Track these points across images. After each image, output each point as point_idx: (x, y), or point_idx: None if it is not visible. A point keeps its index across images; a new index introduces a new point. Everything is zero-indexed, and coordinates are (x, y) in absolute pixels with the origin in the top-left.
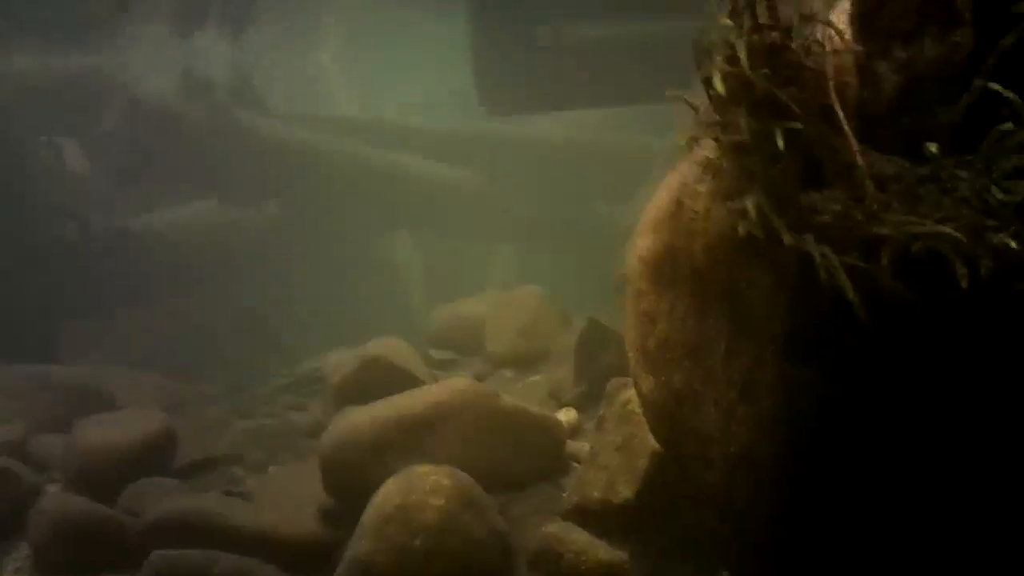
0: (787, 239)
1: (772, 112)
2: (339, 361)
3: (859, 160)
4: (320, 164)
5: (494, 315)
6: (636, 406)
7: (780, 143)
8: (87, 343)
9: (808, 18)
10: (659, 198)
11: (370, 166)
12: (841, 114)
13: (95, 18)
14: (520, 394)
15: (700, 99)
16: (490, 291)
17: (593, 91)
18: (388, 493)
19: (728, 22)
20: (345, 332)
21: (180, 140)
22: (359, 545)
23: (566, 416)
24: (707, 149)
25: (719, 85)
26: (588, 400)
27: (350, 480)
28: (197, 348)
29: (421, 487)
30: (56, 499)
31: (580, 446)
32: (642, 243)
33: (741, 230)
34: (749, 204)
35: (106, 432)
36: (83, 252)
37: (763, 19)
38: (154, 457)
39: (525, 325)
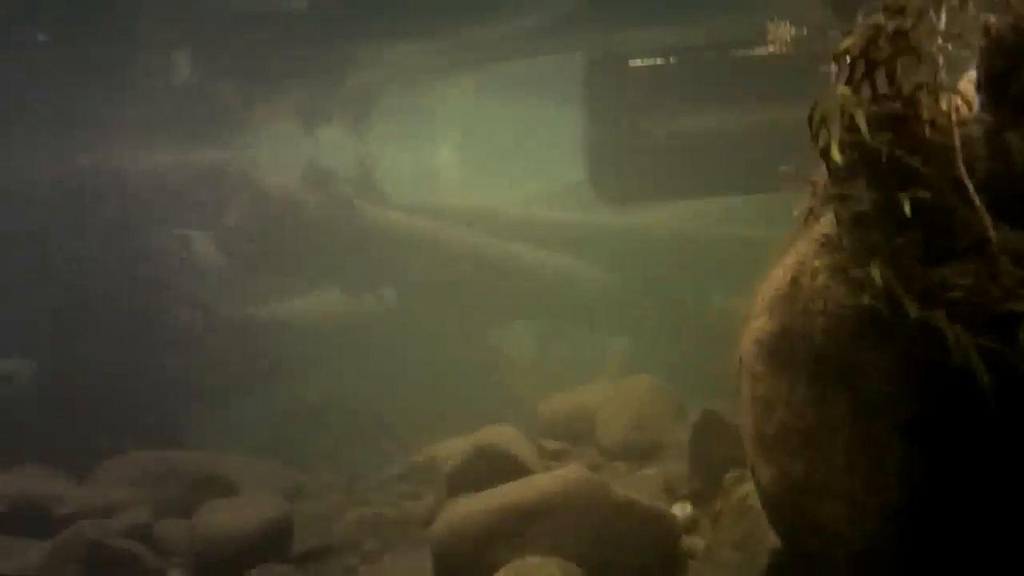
0: (913, 312)
1: (896, 182)
2: (453, 449)
3: (991, 234)
4: (437, 253)
5: (607, 405)
6: (754, 501)
7: (907, 211)
8: (212, 429)
9: (933, 87)
10: (775, 278)
11: (486, 255)
12: (970, 186)
13: (226, 115)
14: (633, 487)
15: (817, 176)
16: (603, 381)
17: (706, 181)
18: None
19: (846, 91)
20: (460, 420)
21: (303, 231)
22: None
23: (681, 510)
24: (825, 225)
25: (836, 155)
26: (704, 494)
27: (461, 570)
28: (315, 436)
29: None
30: None
31: (696, 542)
32: (757, 325)
33: (865, 300)
34: (874, 273)
35: (227, 518)
36: (209, 341)
37: (883, 89)
38: (272, 543)
39: (638, 416)
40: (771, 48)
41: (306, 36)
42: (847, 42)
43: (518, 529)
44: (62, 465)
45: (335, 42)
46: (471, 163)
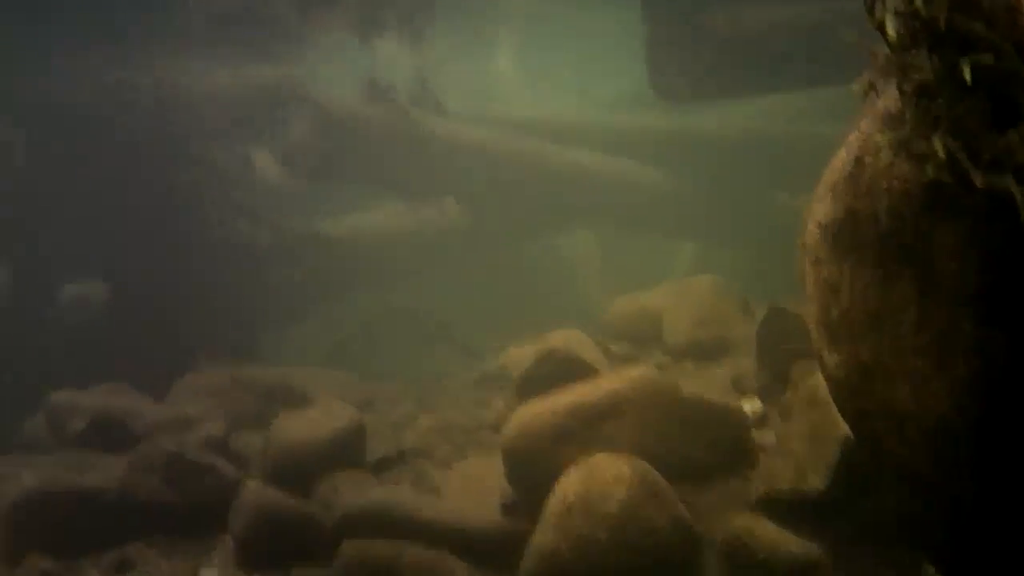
0: (979, 181)
1: (958, 48)
2: (521, 356)
3: None
4: (499, 163)
5: (672, 306)
6: (823, 392)
7: (968, 77)
8: (283, 343)
9: None
10: (838, 159)
11: (548, 163)
12: None
13: (283, 29)
14: (701, 384)
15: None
16: (669, 283)
17: (766, 77)
18: (569, 483)
19: None
20: (527, 326)
21: (363, 144)
22: (543, 536)
23: (750, 405)
24: (887, 100)
25: (891, 29)
26: (772, 389)
27: (532, 470)
28: (384, 347)
29: (602, 477)
30: (255, 493)
31: (766, 436)
32: (820, 208)
33: (929, 173)
34: (936, 144)
35: (301, 428)
36: (276, 256)
37: None
38: (346, 452)
39: (704, 315)
40: None
41: None
42: None
43: (587, 429)
44: (138, 383)
45: None
46: (531, 70)
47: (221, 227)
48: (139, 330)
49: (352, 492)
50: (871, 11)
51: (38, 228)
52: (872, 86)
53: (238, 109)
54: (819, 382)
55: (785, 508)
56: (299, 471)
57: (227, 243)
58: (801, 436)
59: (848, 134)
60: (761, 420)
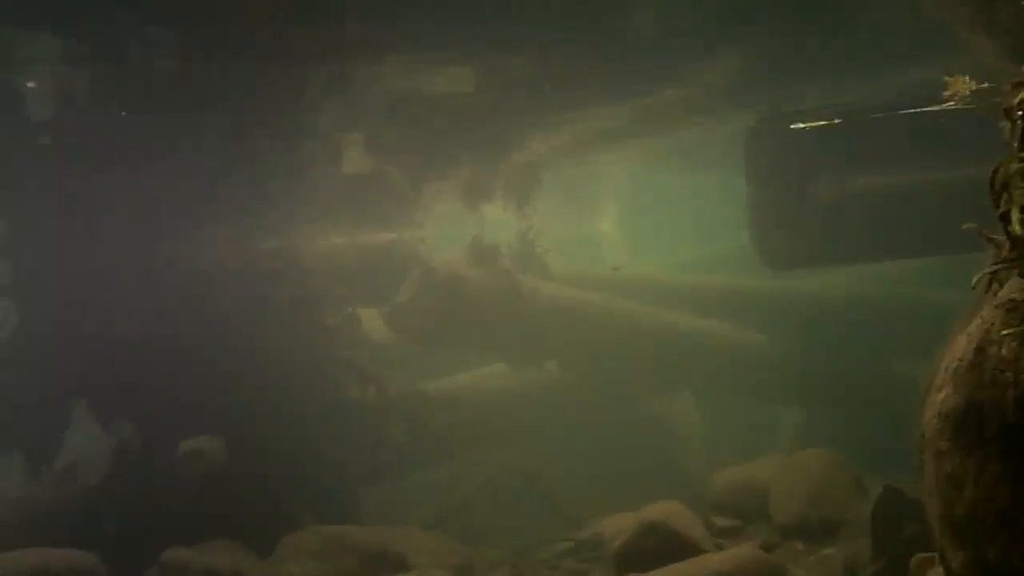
0: None
1: None
2: (619, 526)
3: None
4: (599, 324)
5: (780, 479)
6: None
7: None
8: (385, 503)
9: None
10: (958, 347)
11: (649, 325)
12: None
13: (394, 196)
14: (811, 568)
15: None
16: (775, 455)
17: (878, 244)
18: None
19: None
20: (627, 494)
21: (468, 306)
22: None
23: None
24: (1011, 290)
25: (1016, 224)
26: None
27: None
28: (484, 511)
29: None
30: None
31: None
32: (940, 398)
33: None
34: None
35: None
36: (381, 415)
37: None
38: None
39: (815, 491)
40: (949, 102)
41: (472, 117)
42: (1020, 95)
43: None
44: (246, 538)
45: (500, 122)
46: (634, 233)
47: (334, 387)
48: (252, 486)
49: None
50: (996, 202)
51: (165, 386)
52: (994, 277)
53: (351, 272)
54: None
55: None
56: None
57: (338, 402)
58: None
59: (966, 317)
60: None
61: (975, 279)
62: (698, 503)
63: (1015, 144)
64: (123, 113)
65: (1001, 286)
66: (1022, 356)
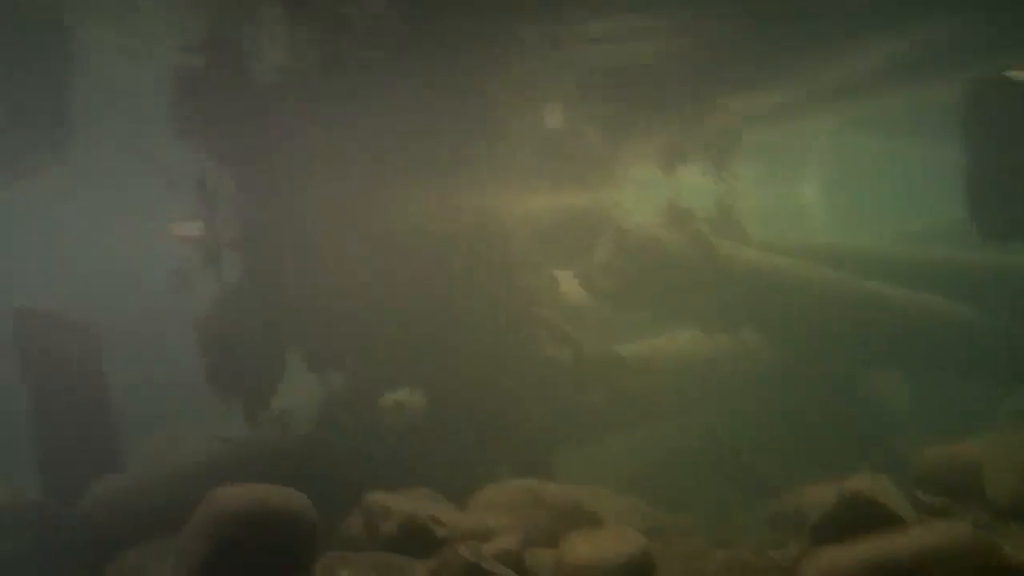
0: None
1: None
2: (820, 496)
3: None
4: (799, 294)
5: (994, 456)
6: None
7: None
8: (578, 463)
9: None
10: None
11: (853, 296)
12: None
13: (592, 159)
14: None
15: None
16: (989, 432)
17: None
18: None
19: None
20: (826, 466)
21: (664, 270)
22: None
23: None
24: None
25: None
26: None
27: None
28: (678, 475)
29: None
30: None
31: None
32: None
33: None
34: None
35: (590, 550)
36: (577, 376)
37: None
38: None
39: None
40: None
41: (668, 82)
42: None
43: None
44: (444, 489)
45: (697, 86)
46: (838, 200)
47: (532, 347)
48: (450, 438)
49: None
50: None
51: (373, 341)
52: None
53: (549, 233)
54: None
55: None
56: None
57: (535, 361)
58: None
59: None
60: None
61: None
62: (903, 480)
63: None
64: (340, 72)
65: None
66: None
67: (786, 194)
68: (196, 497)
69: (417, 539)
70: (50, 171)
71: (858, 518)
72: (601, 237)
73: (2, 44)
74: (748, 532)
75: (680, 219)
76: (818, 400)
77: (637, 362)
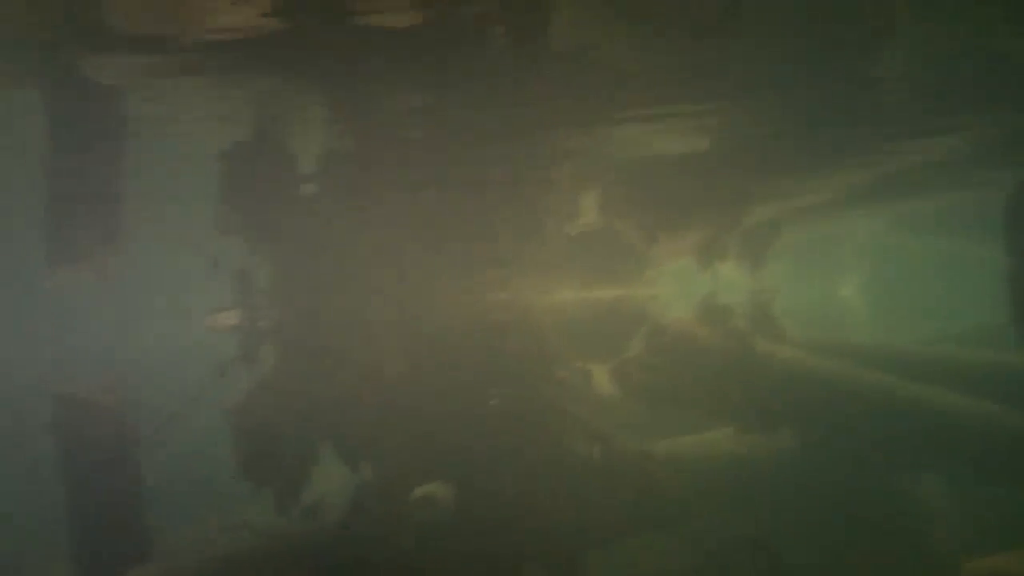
0: None
1: None
2: None
3: None
4: (838, 394)
5: None
6: None
7: None
8: (608, 563)
9: None
10: None
11: (897, 397)
12: None
13: (628, 253)
14: None
15: None
16: None
17: None
18: None
19: None
20: (861, 572)
21: (699, 365)
22: None
23: None
24: None
25: None
26: None
27: None
28: None
29: None
30: None
31: None
32: None
33: None
34: None
35: None
36: (607, 474)
37: None
38: None
39: None
40: None
41: (708, 175)
42: None
43: None
44: None
45: (737, 180)
46: (879, 299)
47: (562, 443)
48: (478, 534)
49: None
50: None
51: (405, 432)
52: None
53: (581, 326)
54: None
55: None
56: None
57: (566, 457)
58: None
59: None
60: None
61: None
62: None
63: None
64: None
65: None
66: None
67: (825, 291)
68: None
69: None
70: (99, 259)
71: None
72: (636, 331)
73: (62, 124)
74: None
75: (716, 315)
76: (856, 504)
77: (670, 459)
